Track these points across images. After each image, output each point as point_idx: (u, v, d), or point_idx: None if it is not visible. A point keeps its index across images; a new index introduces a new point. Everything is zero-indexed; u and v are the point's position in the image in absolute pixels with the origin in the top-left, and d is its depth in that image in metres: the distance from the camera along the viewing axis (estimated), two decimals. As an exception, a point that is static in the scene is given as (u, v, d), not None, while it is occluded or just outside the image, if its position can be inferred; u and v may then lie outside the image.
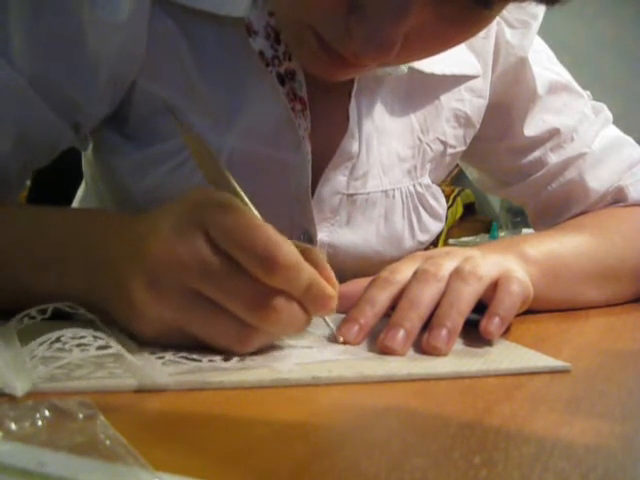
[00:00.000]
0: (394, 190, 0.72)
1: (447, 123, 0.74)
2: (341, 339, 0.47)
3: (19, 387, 0.35)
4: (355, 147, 0.67)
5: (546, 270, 0.60)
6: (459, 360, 0.45)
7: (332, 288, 0.44)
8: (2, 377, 0.35)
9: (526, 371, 0.44)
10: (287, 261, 0.40)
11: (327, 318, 0.48)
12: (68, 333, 0.39)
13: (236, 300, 0.41)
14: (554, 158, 0.79)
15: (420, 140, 0.72)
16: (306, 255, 0.43)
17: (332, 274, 0.45)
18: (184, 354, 0.41)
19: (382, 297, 0.50)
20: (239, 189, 0.46)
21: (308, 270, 0.42)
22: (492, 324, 0.47)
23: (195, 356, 0.41)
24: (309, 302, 0.43)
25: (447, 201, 0.81)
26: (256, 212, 0.44)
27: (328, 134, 0.66)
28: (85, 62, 0.58)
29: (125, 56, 0.59)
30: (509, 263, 0.55)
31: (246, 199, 0.45)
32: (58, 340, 0.39)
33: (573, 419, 0.36)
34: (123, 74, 0.61)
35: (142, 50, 0.60)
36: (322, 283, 0.43)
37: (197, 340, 0.42)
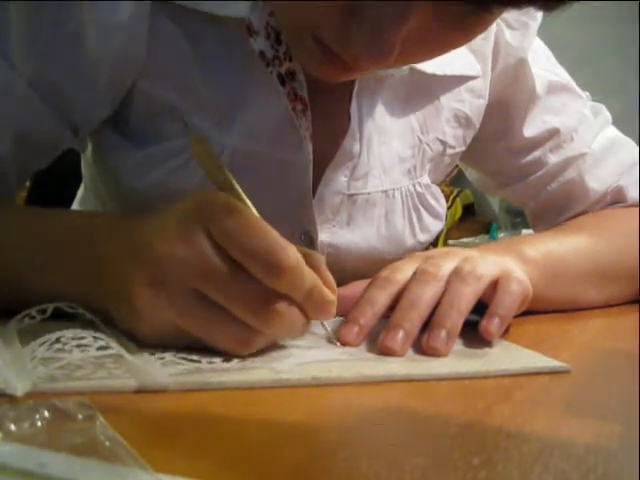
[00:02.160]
0: (394, 190, 0.72)
1: (447, 123, 0.74)
2: (338, 344, 0.47)
3: (19, 387, 0.35)
4: (356, 147, 0.67)
5: (545, 270, 0.60)
6: (459, 361, 0.45)
7: (332, 293, 0.44)
8: (2, 377, 0.35)
9: (525, 372, 0.44)
10: (291, 265, 0.40)
11: (325, 322, 0.48)
12: (68, 333, 0.39)
13: (238, 303, 0.41)
14: (553, 158, 0.79)
15: (420, 140, 0.72)
16: (306, 259, 0.43)
17: (332, 279, 0.45)
18: (184, 355, 0.41)
19: (382, 297, 0.50)
20: (241, 192, 0.46)
21: (310, 275, 0.42)
22: (492, 324, 0.47)
23: (195, 357, 0.41)
24: (310, 307, 0.43)
25: (446, 202, 0.81)
26: (258, 215, 0.44)
27: (329, 134, 0.66)
28: (84, 63, 0.58)
29: (125, 57, 0.59)
30: (508, 263, 0.55)
31: (248, 202, 0.45)
32: (58, 341, 0.39)
33: (573, 419, 0.36)
34: (123, 75, 0.60)
35: (142, 51, 0.60)
36: (323, 288, 0.43)
37: (198, 341, 0.42)
